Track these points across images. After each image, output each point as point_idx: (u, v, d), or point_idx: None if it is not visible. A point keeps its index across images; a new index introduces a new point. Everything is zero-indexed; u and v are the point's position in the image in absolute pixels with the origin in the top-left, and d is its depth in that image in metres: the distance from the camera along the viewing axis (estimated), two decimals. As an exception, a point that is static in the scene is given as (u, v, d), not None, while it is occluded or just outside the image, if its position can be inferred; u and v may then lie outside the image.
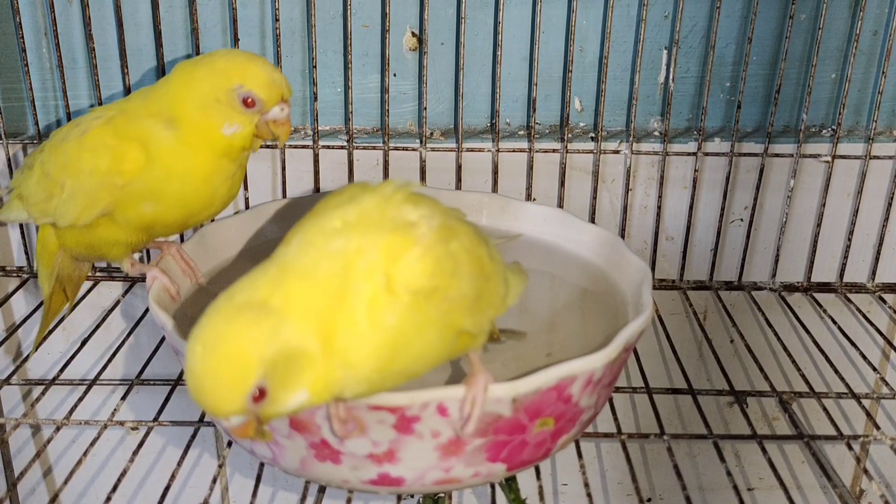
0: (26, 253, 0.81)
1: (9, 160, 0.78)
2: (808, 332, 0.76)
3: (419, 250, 0.42)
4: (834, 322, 0.78)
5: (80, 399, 0.68)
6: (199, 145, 0.55)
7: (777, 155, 0.79)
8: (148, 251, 0.79)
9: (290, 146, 0.78)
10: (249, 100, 0.55)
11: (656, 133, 0.80)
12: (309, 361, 0.40)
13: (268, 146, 0.79)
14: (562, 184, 0.79)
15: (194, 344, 0.39)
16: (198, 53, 0.75)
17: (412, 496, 0.56)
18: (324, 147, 0.78)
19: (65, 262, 0.64)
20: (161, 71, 0.76)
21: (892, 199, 0.80)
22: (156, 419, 0.64)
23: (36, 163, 0.60)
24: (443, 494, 0.59)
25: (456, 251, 0.44)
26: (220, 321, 0.39)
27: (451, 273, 0.43)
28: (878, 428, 0.64)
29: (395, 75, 0.78)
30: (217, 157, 0.56)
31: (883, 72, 0.76)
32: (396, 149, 0.78)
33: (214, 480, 0.57)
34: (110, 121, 0.57)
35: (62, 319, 0.77)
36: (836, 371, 0.70)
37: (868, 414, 0.65)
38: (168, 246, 0.61)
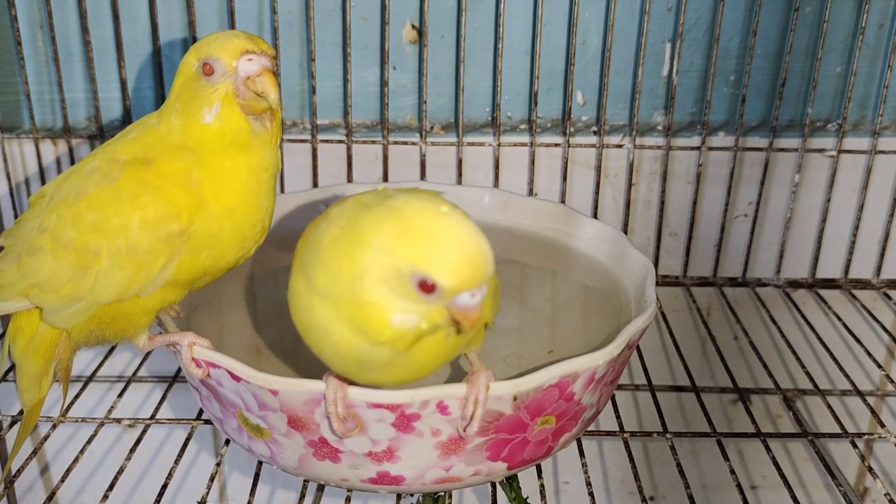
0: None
1: (4, 154, 0.77)
2: (812, 328, 0.76)
3: None
4: (839, 319, 0.78)
5: (77, 396, 0.68)
6: (218, 156, 0.48)
7: (782, 149, 0.78)
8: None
9: (288, 140, 0.78)
10: (207, 66, 0.46)
11: (659, 127, 0.79)
12: None
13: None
14: (564, 179, 0.79)
15: (450, 226, 0.40)
16: (195, 46, 0.74)
17: (412, 495, 0.56)
18: (322, 141, 0.78)
19: (66, 352, 0.52)
20: (158, 65, 0.75)
21: (897, 194, 0.80)
22: (153, 416, 0.64)
23: (38, 242, 0.48)
24: (443, 493, 0.59)
25: None
26: (433, 204, 0.41)
27: None
28: (882, 425, 0.64)
29: (394, 68, 0.77)
30: (239, 157, 0.48)
31: (889, 65, 0.76)
32: (396, 143, 0.78)
33: (212, 478, 0.57)
34: (141, 157, 0.47)
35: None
36: (841, 368, 0.70)
37: (872, 411, 0.65)
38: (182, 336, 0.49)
